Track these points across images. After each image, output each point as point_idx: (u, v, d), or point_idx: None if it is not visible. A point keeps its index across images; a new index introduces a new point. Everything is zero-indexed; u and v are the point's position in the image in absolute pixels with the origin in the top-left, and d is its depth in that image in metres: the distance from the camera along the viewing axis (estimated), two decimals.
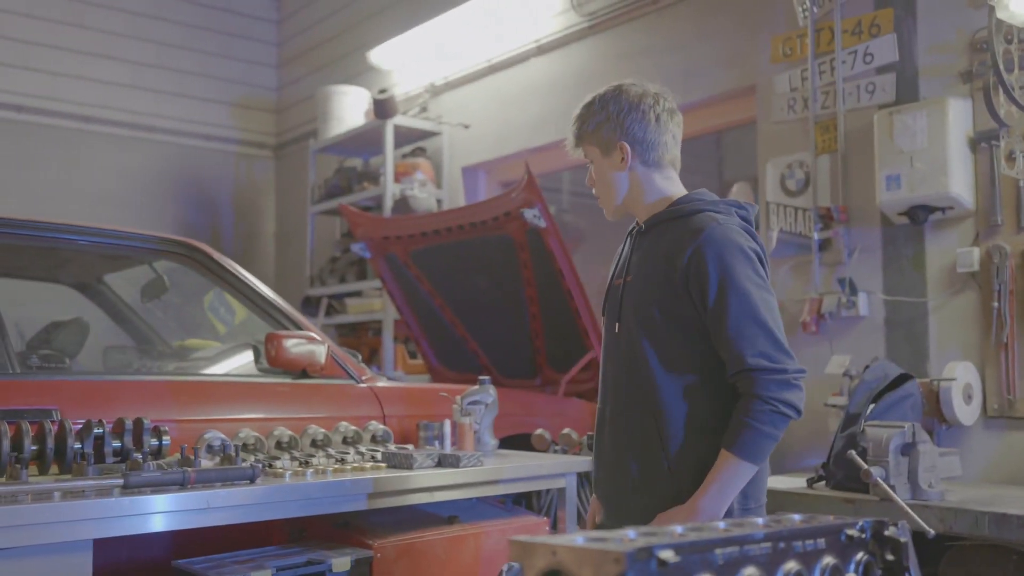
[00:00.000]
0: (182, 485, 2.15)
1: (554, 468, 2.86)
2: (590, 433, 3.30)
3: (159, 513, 2.07)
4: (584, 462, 2.92)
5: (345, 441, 2.97)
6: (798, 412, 1.95)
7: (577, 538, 1.12)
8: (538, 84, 5.28)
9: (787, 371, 1.94)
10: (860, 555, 1.37)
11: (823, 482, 3.15)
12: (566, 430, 3.33)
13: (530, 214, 4.02)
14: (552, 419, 3.99)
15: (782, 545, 1.25)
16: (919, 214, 3.47)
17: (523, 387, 4.68)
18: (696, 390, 2.04)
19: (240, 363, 3.38)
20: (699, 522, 1.95)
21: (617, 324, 2.15)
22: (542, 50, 5.25)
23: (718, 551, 1.16)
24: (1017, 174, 3.18)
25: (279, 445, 2.81)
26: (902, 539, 1.38)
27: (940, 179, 3.37)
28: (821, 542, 1.31)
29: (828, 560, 1.30)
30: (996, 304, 3.30)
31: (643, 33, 4.74)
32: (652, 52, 4.68)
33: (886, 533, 1.40)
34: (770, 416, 1.92)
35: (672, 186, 2.18)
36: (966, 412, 3.30)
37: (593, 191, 2.24)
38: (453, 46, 5.66)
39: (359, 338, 5.89)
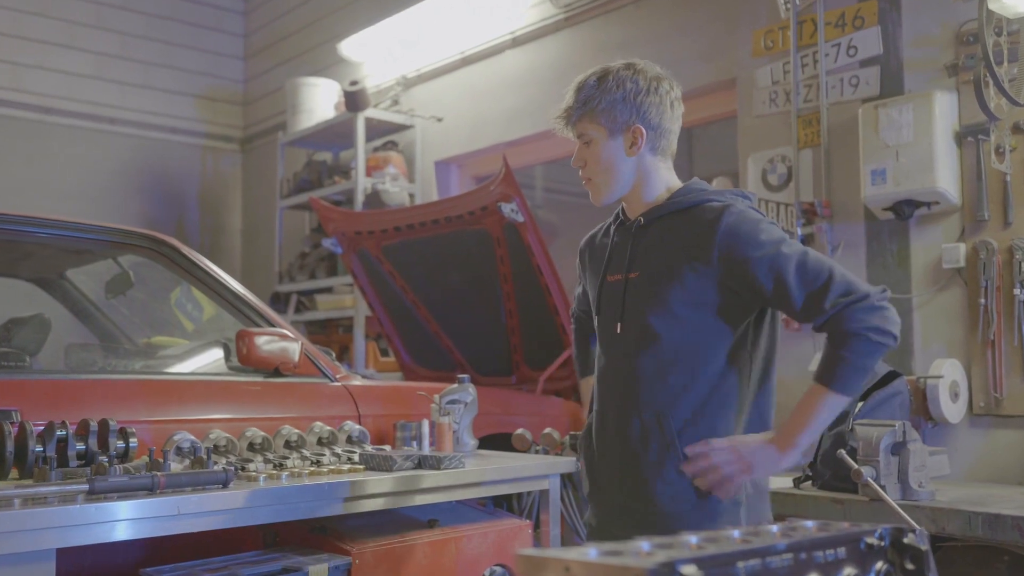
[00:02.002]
0: (151, 490, 2.03)
1: (537, 469, 2.77)
2: (573, 433, 3.22)
3: (127, 520, 1.95)
4: (568, 463, 2.84)
5: (320, 442, 2.86)
6: (894, 338, 1.86)
7: (590, 551, 1.03)
8: (513, 77, 5.19)
9: (868, 295, 1.86)
10: (880, 564, 1.30)
11: (810, 482, 3.09)
12: (547, 430, 3.24)
13: (508, 208, 3.93)
14: (531, 418, 3.90)
15: (803, 556, 1.18)
16: (905, 209, 3.42)
17: (499, 385, 4.59)
18: (714, 385, 1.96)
19: (210, 361, 3.26)
20: (793, 458, 1.91)
21: (619, 324, 2.04)
22: (517, 42, 5.16)
23: (740, 564, 1.08)
24: (1005, 168, 3.14)
25: (251, 447, 2.69)
26: (922, 547, 1.32)
27: (926, 174, 3.33)
28: (841, 551, 1.23)
29: (849, 571, 1.23)
30: (983, 301, 3.26)
31: (621, 25, 4.66)
32: (630, 45, 4.60)
33: (905, 541, 1.33)
34: (861, 345, 1.84)
35: (673, 178, 2.10)
36: (952, 410, 3.25)
37: (581, 173, 2.09)
38: (425, 38, 5.56)
39: (329, 335, 5.77)
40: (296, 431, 2.80)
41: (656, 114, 2.03)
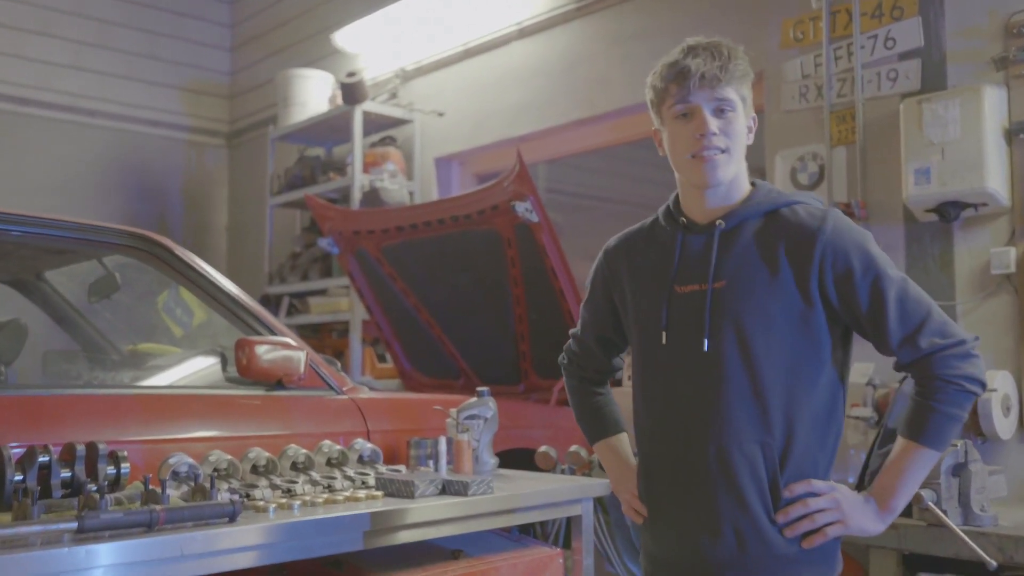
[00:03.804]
0: (149, 527, 1.77)
1: (569, 493, 2.52)
2: None
3: (123, 564, 1.69)
4: (601, 485, 2.60)
5: (330, 463, 2.61)
6: (983, 385, 1.70)
7: None
8: (519, 70, 4.95)
9: (965, 342, 1.68)
10: None
11: None
12: (573, 448, 3.01)
13: (522, 207, 3.68)
14: (545, 431, 3.66)
15: None
16: (950, 211, 3.21)
17: (505, 394, 4.35)
18: (815, 409, 1.74)
19: (205, 372, 3.00)
20: (887, 523, 1.73)
21: (706, 341, 1.75)
22: (524, 33, 4.92)
23: None
24: None
25: (255, 469, 2.44)
26: None
27: (975, 173, 3.11)
28: None
29: None
30: None
31: (636, 16, 4.43)
32: (646, 36, 4.37)
33: None
34: (955, 396, 1.67)
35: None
36: (1004, 425, 3.04)
37: (711, 140, 1.73)
38: (425, 29, 5.30)
39: (322, 340, 5.51)
40: (303, 451, 2.54)
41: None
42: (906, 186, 3.26)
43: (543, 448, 3.04)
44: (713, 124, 1.74)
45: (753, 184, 1.85)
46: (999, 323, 3.16)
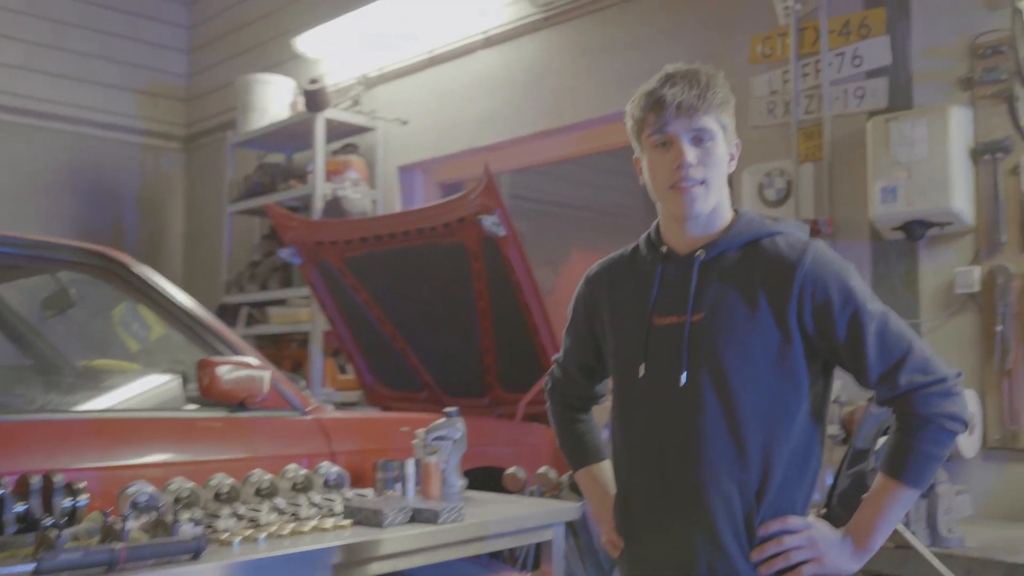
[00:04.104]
0: (110, 567, 1.71)
1: (540, 518, 2.49)
2: (570, 473, 2.95)
3: None
4: (572, 509, 2.57)
5: (295, 488, 2.54)
6: (965, 424, 1.67)
7: None
8: (484, 79, 4.90)
9: (946, 379, 1.65)
10: None
11: None
12: (543, 468, 2.97)
13: (489, 221, 3.64)
14: (510, 448, 3.63)
15: None
16: (916, 229, 3.22)
17: (470, 407, 4.31)
18: (795, 446, 1.71)
19: (164, 392, 2.91)
20: (863, 563, 1.70)
21: (684, 375, 1.72)
22: (490, 42, 4.87)
23: None
24: None
25: (218, 496, 2.36)
26: None
27: (941, 193, 3.13)
28: None
29: None
30: (1000, 328, 3.08)
31: (605, 27, 4.41)
32: (614, 49, 4.35)
33: None
34: (936, 434, 1.64)
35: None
36: (967, 444, 3.06)
37: (688, 172, 1.69)
38: (389, 35, 5.23)
39: (281, 350, 5.41)
40: (268, 476, 2.47)
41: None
42: (873, 204, 3.27)
43: (511, 469, 3.00)
44: (691, 154, 1.71)
45: (736, 212, 1.82)
46: (963, 342, 3.18)
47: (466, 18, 4.91)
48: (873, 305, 1.69)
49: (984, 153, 3.16)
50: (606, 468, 2.01)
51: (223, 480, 2.38)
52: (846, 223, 3.49)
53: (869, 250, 3.43)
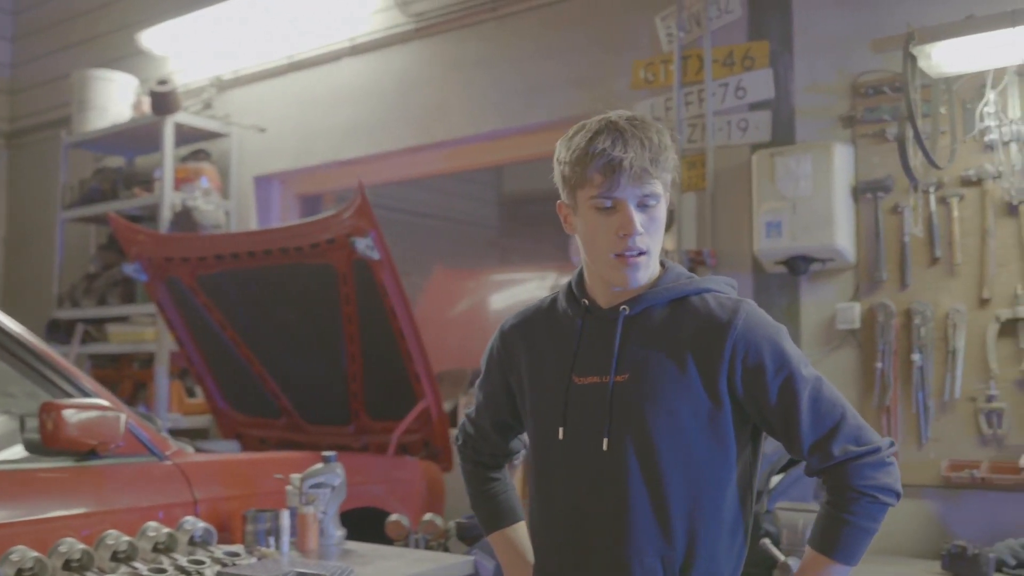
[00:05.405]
0: None
1: (436, 574, 2.31)
2: (458, 520, 2.78)
3: None
4: (464, 564, 2.40)
5: (156, 548, 2.27)
6: (897, 496, 1.58)
7: None
8: (350, 88, 4.66)
9: (879, 450, 1.56)
10: None
11: None
12: (428, 516, 2.78)
13: (362, 244, 3.42)
14: (383, 485, 3.44)
15: None
16: (799, 264, 3.24)
17: (333, 434, 4.06)
18: (722, 517, 1.60)
19: None
20: None
21: (606, 440, 1.60)
22: (357, 50, 4.63)
23: None
24: (918, 232, 3.02)
25: (68, 565, 2.07)
26: None
27: (825, 229, 3.16)
28: None
29: None
30: (879, 365, 3.13)
31: (479, 42, 4.26)
32: (489, 64, 4.21)
33: None
34: (869, 508, 1.55)
35: None
36: None
37: (634, 241, 1.57)
38: (246, 36, 4.90)
39: (120, 371, 4.97)
40: (125, 538, 2.19)
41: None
42: (757, 238, 3.27)
43: (394, 517, 2.80)
44: (638, 222, 1.58)
45: (663, 265, 1.70)
46: (843, 377, 3.21)
47: (331, 23, 4.66)
48: (807, 371, 1.60)
49: (865, 191, 3.20)
50: (521, 530, 1.86)
51: (73, 546, 2.09)
52: (728, 254, 3.47)
53: (751, 282, 3.43)
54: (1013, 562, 2.76)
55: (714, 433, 1.59)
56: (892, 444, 1.61)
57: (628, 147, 1.55)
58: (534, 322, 1.77)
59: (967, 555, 2.74)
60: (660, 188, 1.59)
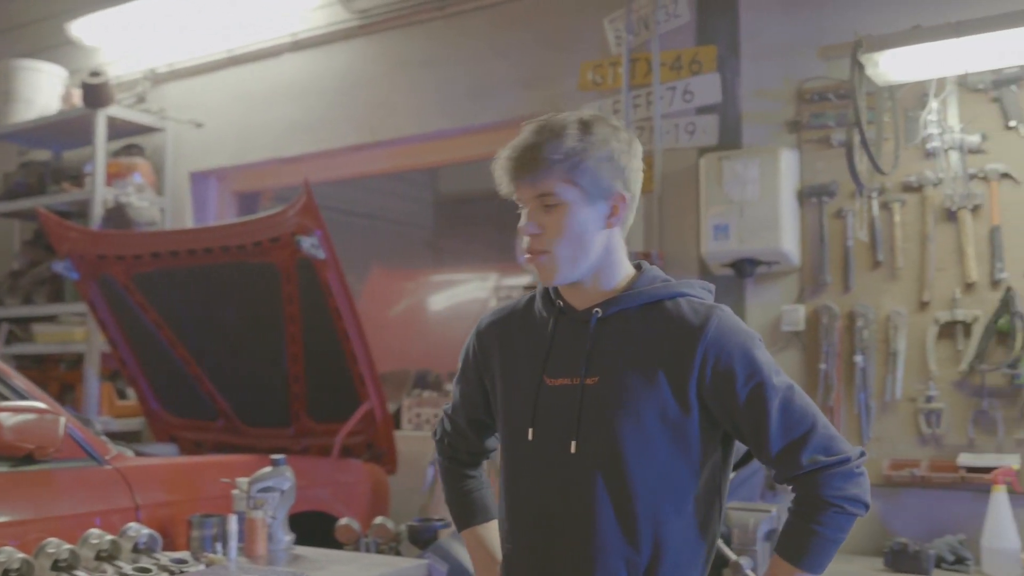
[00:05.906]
0: None
1: None
2: (410, 523, 2.74)
3: None
4: (418, 568, 2.36)
5: (99, 557, 2.19)
6: (866, 507, 1.57)
7: None
8: (291, 84, 4.57)
9: (848, 460, 1.55)
10: None
11: None
12: (379, 519, 2.74)
13: (307, 243, 3.35)
14: (328, 488, 3.37)
15: None
16: (746, 267, 3.28)
17: (273, 436, 3.98)
18: (689, 521, 1.59)
19: None
20: None
21: (574, 442, 1.58)
22: (298, 46, 4.55)
23: None
24: (862, 236, 3.08)
25: None
26: None
27: (771, 233, 3.20)
28: None
29: None
30: (823, 366, 3.18)
31: (426, 41, 4.22)
32: (435, 63, 4.17)
33: None
34: (836, 518, 1.54)
35: (627, 258, 1.70)
36: None
37: (529, 243, 1.60)
38: (182, 28, 4.77)
39: (46, 372, 4.79)
40: (66, 546, 2.10)
41: (635, 182, 1.64)
42: (705, 240, 3.30)
43: (344, 521, 2.75)
44: (534, 223, 1.58)
45: (639, 267, 1.69)
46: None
47: (271, 17, 4.57)
48: (778, 379, 1.59)
49: (810, 196, 3.26)
50: (493, 529, 1.84)
51: (12, 555, 2.00)
52: (676, 257, 3.50)
53: None
54: (952, 558, 2.84)
55: (682, 439, 1.58)
56: (863, 454, 1.60)
57: (519, 147, 1.57)
58: (509, 322, 1.76)
59: (908, 552, 2.81)
60: (558, 187, 1.56)
